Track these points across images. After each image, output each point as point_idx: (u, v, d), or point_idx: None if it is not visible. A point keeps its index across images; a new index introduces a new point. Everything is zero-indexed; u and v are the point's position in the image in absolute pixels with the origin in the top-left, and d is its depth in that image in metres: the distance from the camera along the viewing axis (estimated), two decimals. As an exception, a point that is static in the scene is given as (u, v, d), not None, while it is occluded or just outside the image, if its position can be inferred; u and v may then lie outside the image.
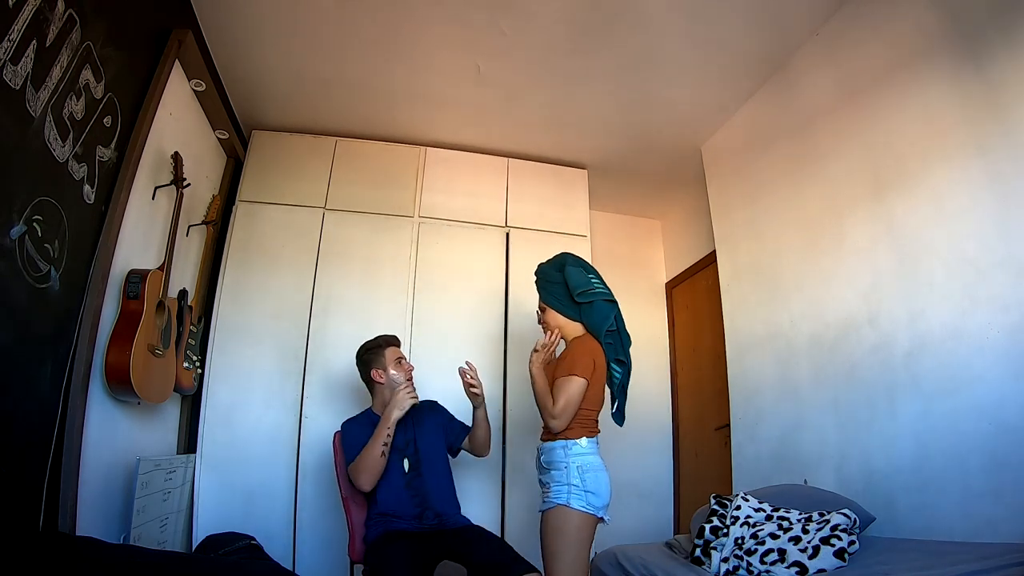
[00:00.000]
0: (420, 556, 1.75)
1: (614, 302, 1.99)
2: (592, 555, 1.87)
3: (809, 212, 2.41)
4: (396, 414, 1.91)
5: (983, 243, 1.67)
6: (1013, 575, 1.20)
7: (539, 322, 2.09)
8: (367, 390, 2.24)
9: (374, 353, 2.12)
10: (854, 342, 2.11)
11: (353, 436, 1.99)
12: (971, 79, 1.76)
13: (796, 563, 1.55)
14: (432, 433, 2.10)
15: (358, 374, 2.22)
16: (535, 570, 1.62)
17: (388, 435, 1.88)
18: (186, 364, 2.38)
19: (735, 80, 2.75)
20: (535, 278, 2.10)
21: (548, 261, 2.12)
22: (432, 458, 2.04)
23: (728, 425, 2.85)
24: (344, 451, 2.00)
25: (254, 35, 2.50)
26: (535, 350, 1.90)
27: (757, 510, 1.82)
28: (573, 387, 1.77)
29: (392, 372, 2.07)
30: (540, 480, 1.87)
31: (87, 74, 1.65)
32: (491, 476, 2.78)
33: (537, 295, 2.08)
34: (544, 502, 1.78)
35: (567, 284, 1.97)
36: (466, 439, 2.16)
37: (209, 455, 2.57)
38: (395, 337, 2.19)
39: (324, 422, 2.64)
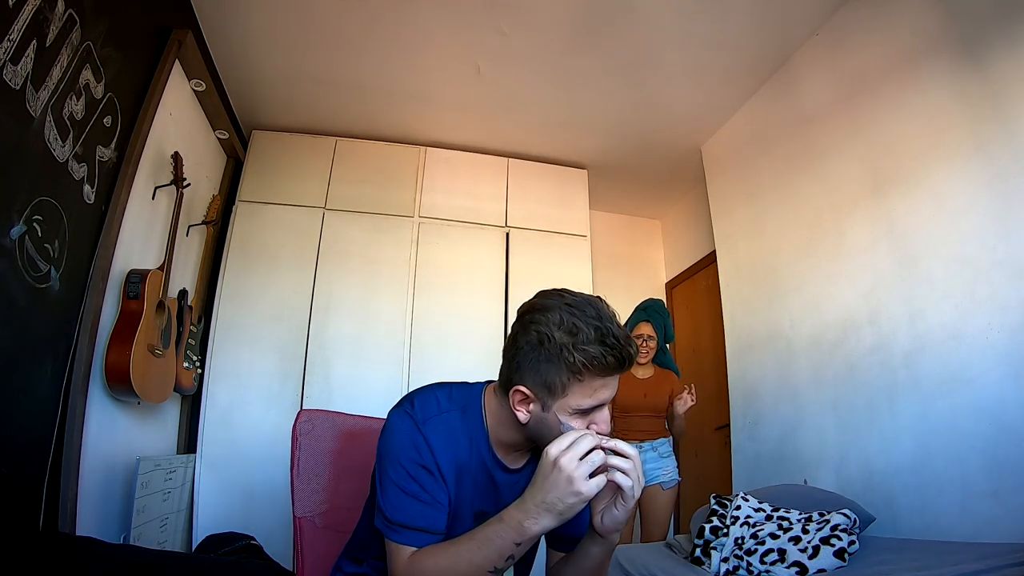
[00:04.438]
0: None
1: None
2: None
3: (809, 212, 2.41)
4: (546, 523, 0.80)
5: (983, 243, 1.67)
6: (1013, 575, 1.20)
7: (639, 345, 2.55)
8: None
9: (562, 365, 0.84)
10: (854, 342, 2.10)
11: (420, 456, 0.89)
12: (971, 78, 1.75)
13: (796, 563, 1.55)
14: None
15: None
16: None
17: (511, 557, 0.83)
18: (186, 364, 2.38)
19: (735, 80, 2.75)
20: (653, 309, 2.64)
21: (657, 301, 2.71)
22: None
23: (728, 425, 2.85)
24: (381, 481, 0.89)
25: (254, 35, 2.50)
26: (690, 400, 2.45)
27: (757, 510, 1.82)
28: None
29: (566, 421, 0.86)
30: (653, 466, 2.43)
31: (87, 74, 1.65)
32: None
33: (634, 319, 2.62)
34: (672, 479, 2.44)
35: (666, 328, 2.65)
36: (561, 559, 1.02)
37: (209, 455, 2.57)
38: (627, 353, 0.85)
39: (324, 422, 2.65)
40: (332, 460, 1.26)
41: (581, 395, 0.85)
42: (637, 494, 0.83)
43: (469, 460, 0.93)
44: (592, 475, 0.79)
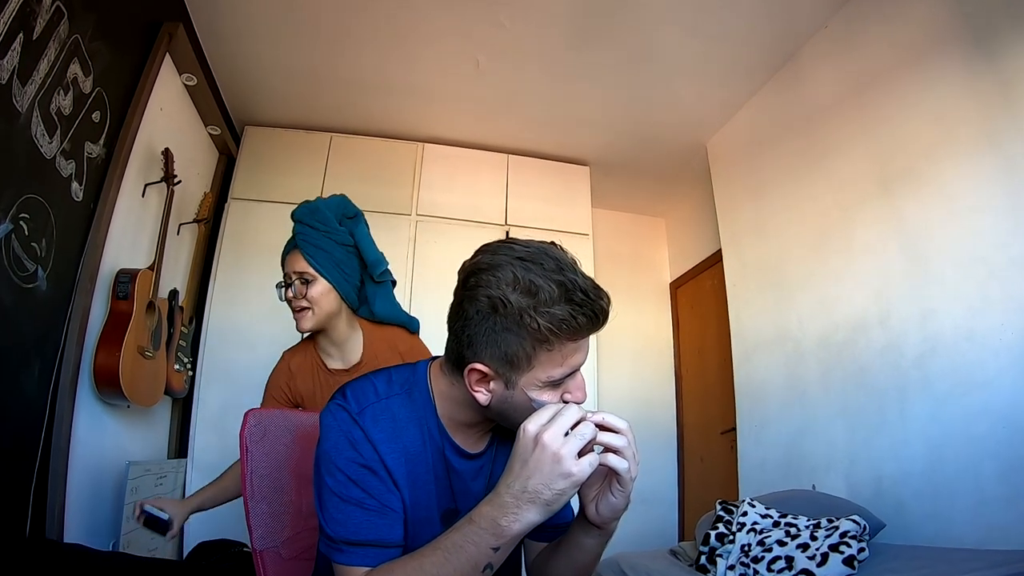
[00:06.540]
0: None
1: None
2: None
3: (817, 210, 2.37)
4: (530, 517, 0.66)
5: (996, 241, 1.64)
6: (1031, 585, 1.16)
7: (284, 298, 1.50)
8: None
9: (524, 334, 0.70)
10: (863, 343, 2.07)
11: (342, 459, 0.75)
12: (983, 72, 1.72)
13: (804, 571, 1.52)
14: None
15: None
16: None
17: (488, 567, 0.69)
18: (177, 366, 2.34)
19: (741, 75, 2.70)
20: (299, 221, 1.45)
21: (304, 207, 1.47)
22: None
23: (734, 428, 2.81)
24: (320, 495, 0.77)
25: (247, 28, 2.46)
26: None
27: (764, 516, 1.79)
28: None
29: (535, 396, 0.73)
30: None
31: (75, 68, 1.61)
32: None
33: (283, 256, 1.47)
34: None
35: (359, 252, 1.47)
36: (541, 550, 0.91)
37: (200, 460, 2.53)
38: (599, 308, 0.71)
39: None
40: (292, 471, 1.00)
41: (551, 365, 0.71)
42: (635, 474, 0.71)
43: (423, 451, 0.79)
44: (580, 453, 0.65)
